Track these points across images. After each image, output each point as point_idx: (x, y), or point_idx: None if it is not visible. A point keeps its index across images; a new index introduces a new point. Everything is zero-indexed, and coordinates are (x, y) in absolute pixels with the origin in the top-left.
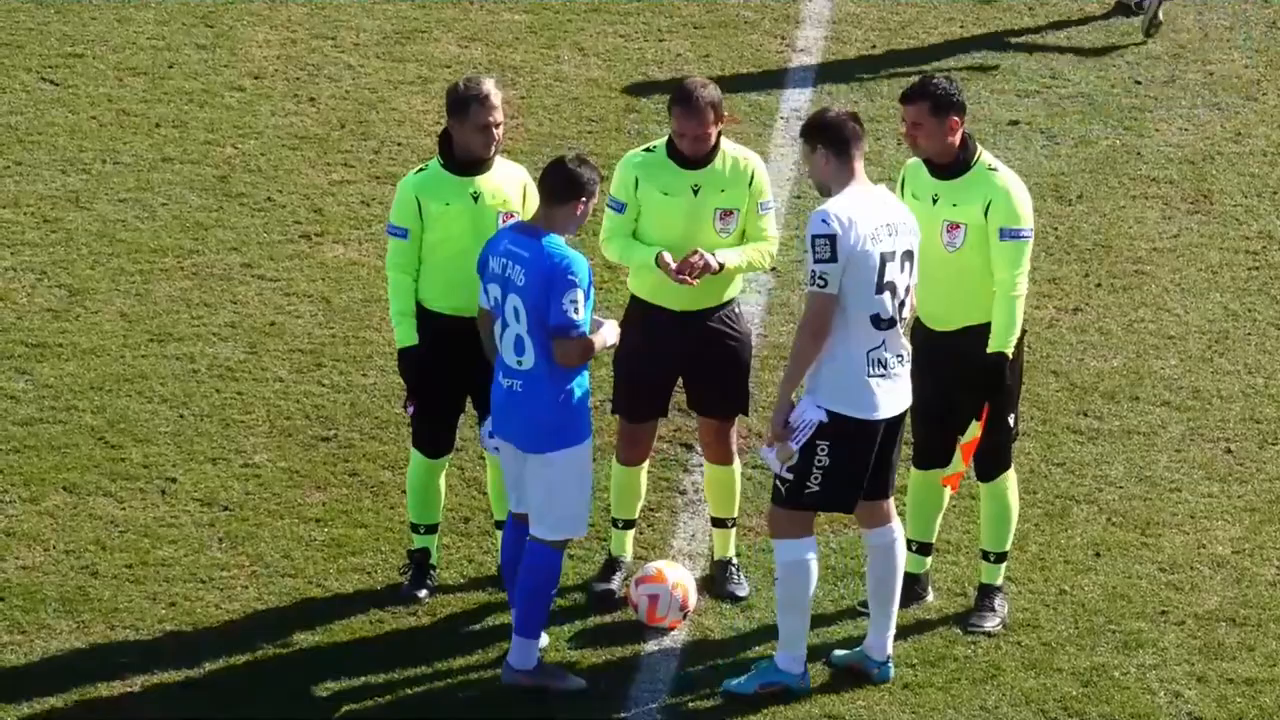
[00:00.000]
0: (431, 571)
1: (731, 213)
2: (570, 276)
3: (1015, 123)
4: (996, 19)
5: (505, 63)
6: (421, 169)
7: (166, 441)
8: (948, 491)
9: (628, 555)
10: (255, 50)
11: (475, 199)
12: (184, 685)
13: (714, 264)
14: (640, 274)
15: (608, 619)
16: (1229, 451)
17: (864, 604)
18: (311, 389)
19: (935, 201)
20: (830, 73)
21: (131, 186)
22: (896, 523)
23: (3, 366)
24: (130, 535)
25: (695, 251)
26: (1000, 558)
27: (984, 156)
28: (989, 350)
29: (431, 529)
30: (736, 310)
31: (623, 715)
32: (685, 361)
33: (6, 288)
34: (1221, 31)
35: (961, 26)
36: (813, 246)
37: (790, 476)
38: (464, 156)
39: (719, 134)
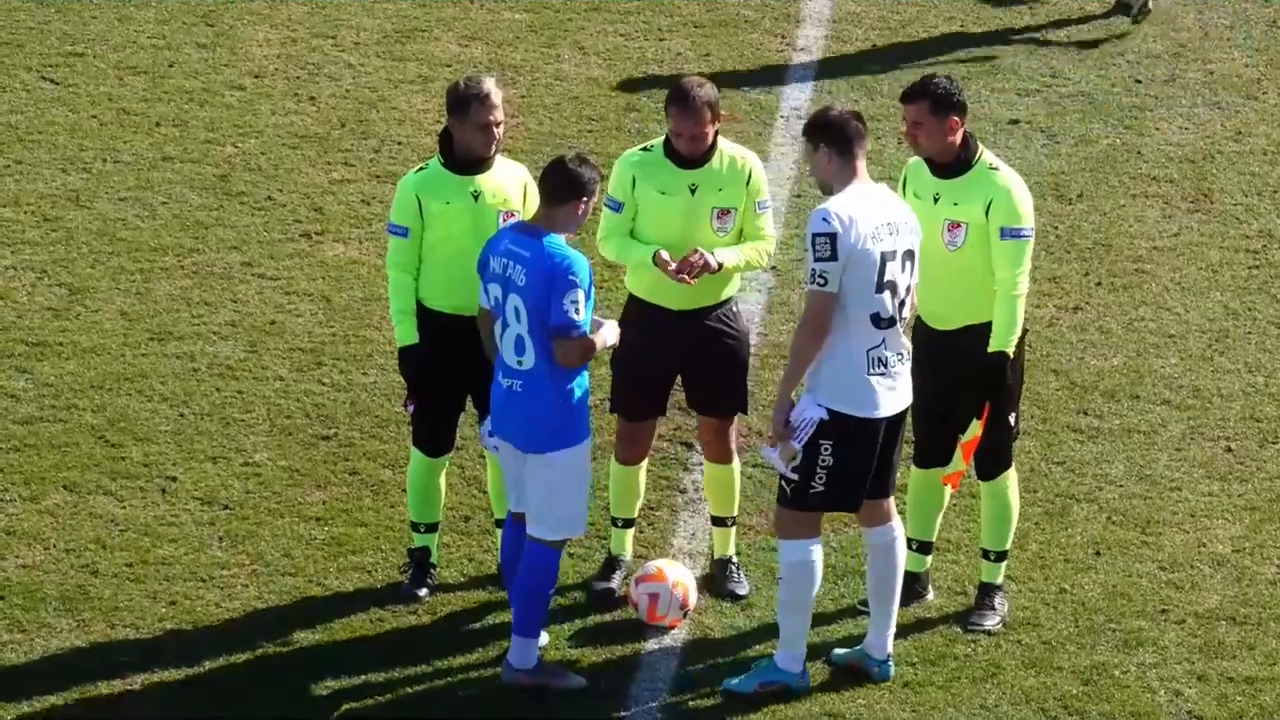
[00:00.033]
0: (432, 570)
1: (729, 212)
2: (571, 277)
3: (1015, 121)
4: (997, 18)
5: (505, 62)
6: (422, 168)
7: (167, 440)
8: (948, 490)
9: (627, 554)
10: (255, 49)
11: (476, 198)
12: (184, 684)
13: (713, 263)
14: (638, 273)
15: (608, 618)
16: (1229, 450)
17: (864, 602)
18: (312, 388)
19: (936, 200)
20: (830, 72)
21: (132, 185)
22: (897, 521)
23: (3, 365)
24: (130, 534)
25: (695, 251)
26: (1000, 556)
27: (985, 156)
28: (990, 349)
29: (432, 528)
30: (734, 309)
31: (623, 714)
32: (683, 360)
33: (7, 286)
34: (1222, 30)
35: (962, 25)
36: (813, 245)
37: (795, 477)
38: (464, 155)
39: (716, 133)
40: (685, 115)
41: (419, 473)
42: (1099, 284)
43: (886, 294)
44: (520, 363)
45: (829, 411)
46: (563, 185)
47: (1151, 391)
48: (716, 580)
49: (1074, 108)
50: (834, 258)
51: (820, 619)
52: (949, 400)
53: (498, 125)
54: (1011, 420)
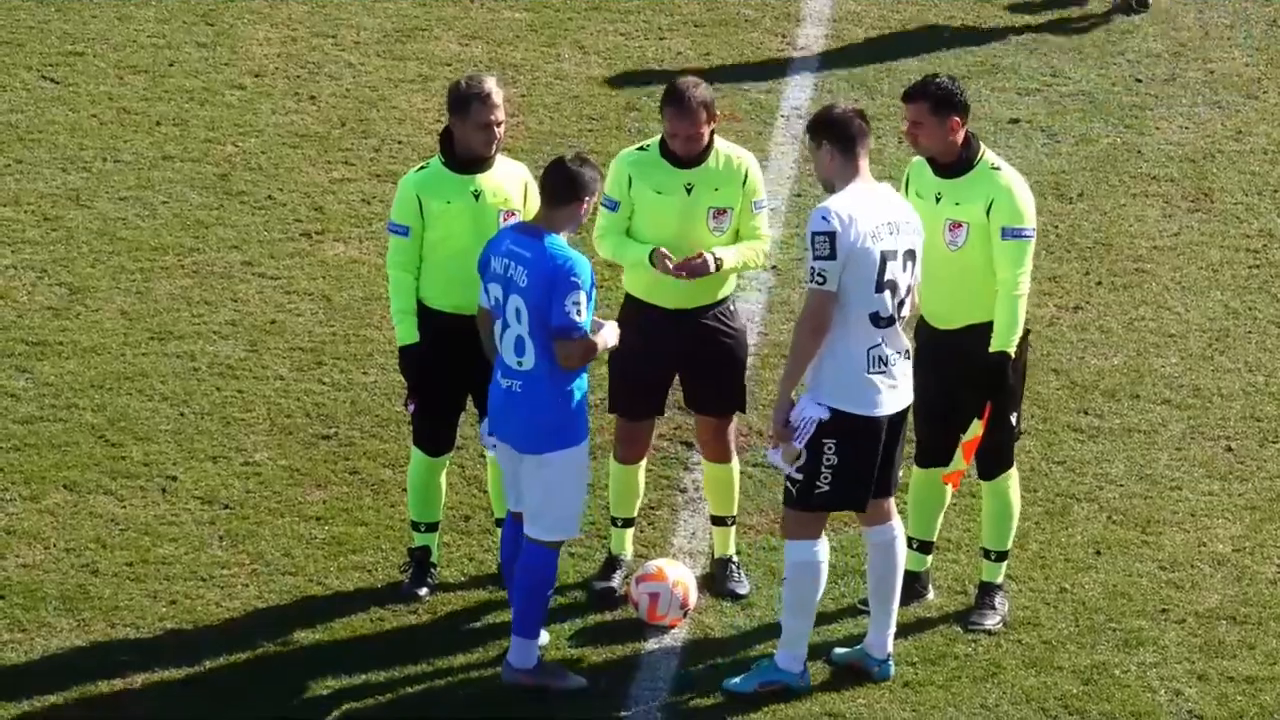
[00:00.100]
0: (432, 570)
1: (725, 211)
2: (573, 278)
3: (1016, 121)
4: (997, 17)
5: (506, 61)
6: (422, 167)
7: (167, 439)
8: (949, 489)
9: (628, 553)
10: (256, 48)
11: (476, 197)
12: (184, 683)
13: (713, 265)
14: (634, 272)
15: (608, 617)
16: (1229, 450)
17: (864, 602)
18: (312, 387)
19: (938, 200)
20: (831, 71)
21: (132, 184)
22: (897, 520)
23: (3, 364)
24: (131, 533)
25: (699, 255)
26: (1001, 556)
27: (987, 155)
28: (991, 349)
29: (432, 527)
30: (731, 308)
31: (623, 714)
32: (680, 360)
33: (7, 286)
34: (1222, 30)
35: (962, 24)
36: (812, 243)
37: (800, 477)
38: (465, 155)
39: (712, 133)
40: (680, 116)
41: (419, 472)
42: (1099, 283)
43: (886, 293)
44: (520, 363)
45: (831, 410)
46: (563, 186)
47: (1152, 391)
48: (717, 580)
49: (1074, 107)
50: (833, 256)
51: (820, 618)
52: (950, 400)
53: (498, 124)
54: (1013, 420)
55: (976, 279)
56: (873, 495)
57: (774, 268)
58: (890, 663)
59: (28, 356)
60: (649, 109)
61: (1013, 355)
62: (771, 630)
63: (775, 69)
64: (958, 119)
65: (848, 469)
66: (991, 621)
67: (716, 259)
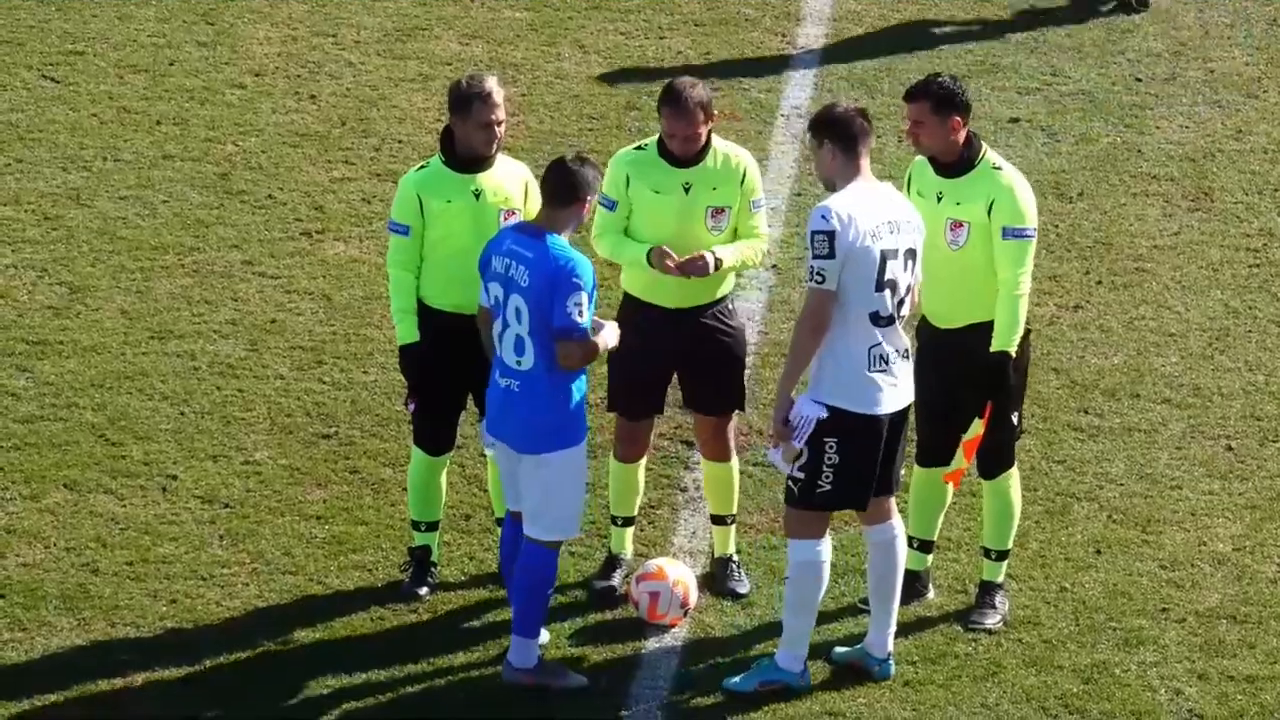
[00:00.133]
0: (432, 569)
1: (723, 210)
2: (575, 279)
3: (1016, 120)
4: (997, 16)
5: (506, 60)
6: (423, 166)
7: (167, 439)
8: (950, 488)
9: (628, 552)
10: (256, 47)
11: (477, 196)
12: (184, 682)
13: (712, 265)
14: (633, 271)
15: (608, 616)
16: (1230, 449)
17: (865, 601)
18: (312, 386)
19: (940, 199)
20: (831, 70)
21: (132, 184)
22: (897, 519)
23: (3, 364)
24: (131, 532)
25: (700, 256)
26: (1002, 555)
27: (989, 155)
28: (992, 349)
29: (432, 526)
30: (730, 306)
31: (624, 713)
32: (679, 359)
33: (7, 285)
34: (1222, 29)
35: (962, 24)
36: (812, 242)
37: (802, 476)
38: (466, 154)
39: (709, 132)
40: (677, 116)
41: (420, 471)
42: (1099, 282)
43: (886, 293)
44: (519, 363)
45: (833, 409)
46: (564, 187)
47: (1152, 390)
48: (717, 579)
49: (1074, 106)
50: (832, 255)
51: (821, 617)
52: (952, 399)
53: (499, 124)
54: (1014, 419)
55: (977, 278)
56: (874, 494)
57: (774, 266)
58: (890, 662)
59: (28, 355)
60: (649, 108)
61: (1013, 355)
62: (772, 629)
63: (775, 68)
64: (959, 118)
65: (849, 468)
66: (992, 620)
67: (716, 258)
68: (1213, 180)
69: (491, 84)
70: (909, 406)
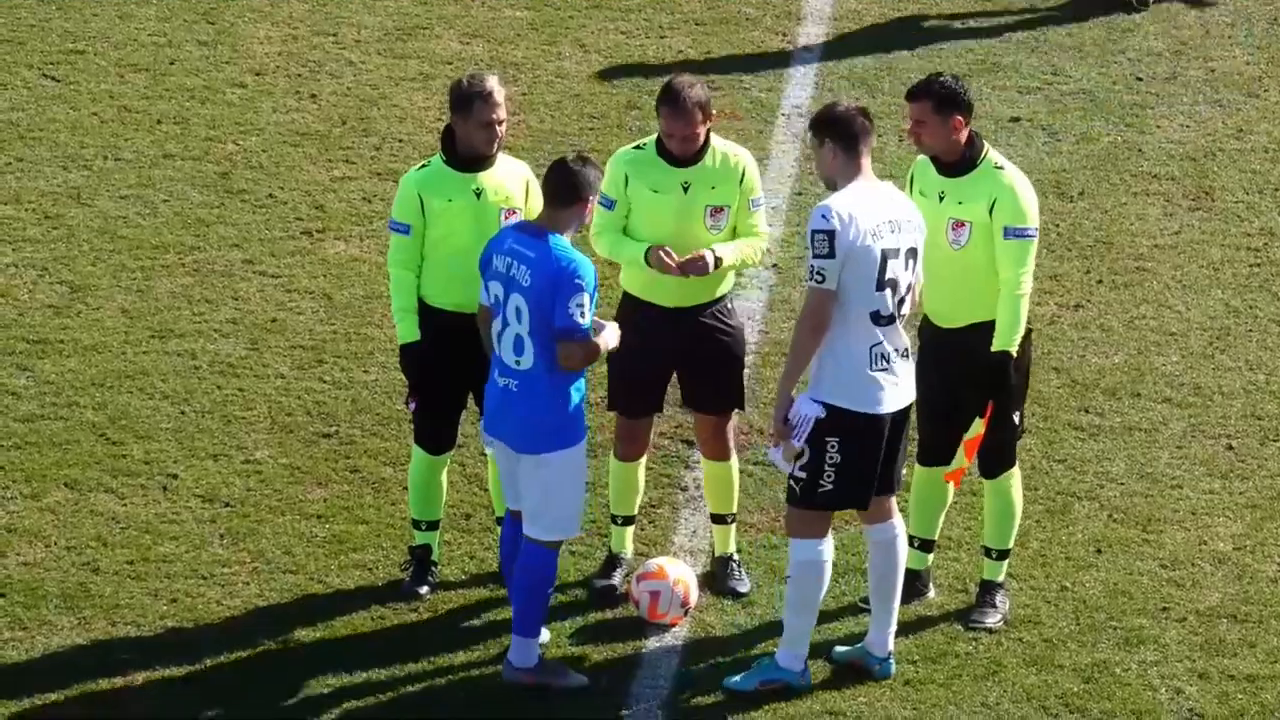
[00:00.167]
0: (433, 568)
1: (722, 210)
2: (577, 280)
3: (1016, 119)
4: (997, 16)
5: (507, 59)
6: (424, 165)
7: (168, 438)
8: (951, 488)
9: (628, 552)
10: (256, 46)
11: (478, 195)
12: (185, 681)
13: (712, 264)
14: (631, 270)
15: (609, 615)
16: (1230, 448)
17: (865, 600)
18: (313, 385)
19: (941, 199)
20: (832, 69)
21: (133, 183)
22: (898, 518)
23: (4, 363)
24: (131, 531)
25: (699, 255)
26: (1002, 554)
27: (991, 154)
28: (993, 349)
29: (433, 525)
30: (729, 305)
31: (624, 712)
32: (678, 358)
33: (8, 284)
34: (1223, 28)
35: (963, 23)
36: (812, 241)
37: (803, 475)
38: (466, 153)
39: (708, 131)
40: (676, 116)
41: (420, 470)
42: (1100, 282)
43: (887, 292)
44: (518, 362)
45: (834, 408)
46: (566, 187)
47: (1152, 389)
48: (717, 578)
49: (1075, 105)
50: (832, 255)
51: (821, 616)
52: (953, 398)
53: (500, 123)
54: (1015, 419)
55: (979, 278)
56: (875, 493)
57: (774, 266)
58: (891, 661)
59: (28, 355)
60: (650, 107)
61: (1015, 354)
62: (772, 628)
63: (776, 67)
64: (961, 118)
65: (851, 467)
66: (992, 620)
67: (716, 257)
68: (1213, 179)
69: (492, 83)
70: (910, 406)
